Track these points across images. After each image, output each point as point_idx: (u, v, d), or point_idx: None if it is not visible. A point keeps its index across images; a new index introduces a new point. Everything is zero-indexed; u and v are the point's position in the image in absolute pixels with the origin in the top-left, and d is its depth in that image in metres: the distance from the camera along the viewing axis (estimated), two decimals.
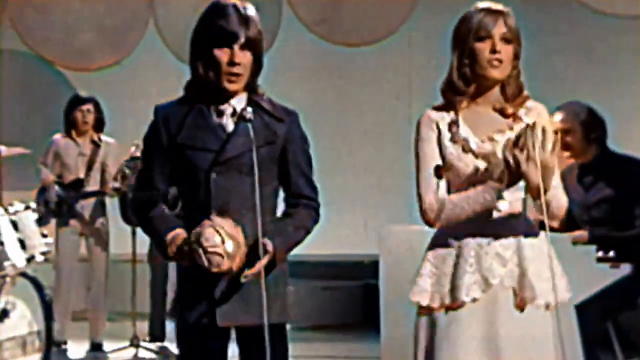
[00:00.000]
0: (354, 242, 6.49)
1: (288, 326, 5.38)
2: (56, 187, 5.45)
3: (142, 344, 5.53)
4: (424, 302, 2.41)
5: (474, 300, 2.37)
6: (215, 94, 2.38)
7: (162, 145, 2.39)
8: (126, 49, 7.47)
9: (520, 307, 2.40)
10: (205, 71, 2.36)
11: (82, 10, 7.51)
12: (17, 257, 4.23)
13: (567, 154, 3.95)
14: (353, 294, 6.58)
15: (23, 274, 4.09)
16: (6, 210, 4.38)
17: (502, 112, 2.45)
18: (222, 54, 2.34)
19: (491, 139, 2.42)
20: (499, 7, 2.43)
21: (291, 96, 7.21)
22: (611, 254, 3.89)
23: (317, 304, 6.55)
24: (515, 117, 2.45)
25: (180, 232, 2.34)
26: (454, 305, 2.38)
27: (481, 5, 2.45)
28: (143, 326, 5.66)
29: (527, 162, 2.30)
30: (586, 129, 3.95)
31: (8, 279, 3.99)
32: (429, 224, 2.43)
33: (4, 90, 7.36)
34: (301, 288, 6.53)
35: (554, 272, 2.41)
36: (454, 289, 2.38)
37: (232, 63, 2.34)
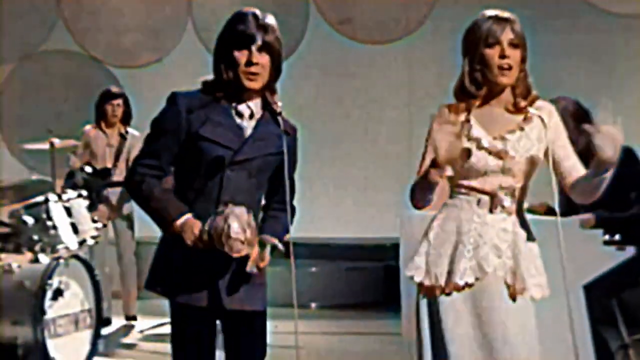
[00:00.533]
0: (376, 226, 6.47)
1: (314, 305, 5.39)
2: (84, 173, 5.47)
3: None
4: (418, 278, 2.42)
5: (467, 284, 2.38)
6: (236, 92, 2.38)
7: (179, 132, 2.35)
8: (167, 47, 7.50)
9: (513, 297, 2.40)
10: (226, 72, 2.36)
11: (127, 13, 7.55)
12: (70, 241, 4.27)
13: None
14: (375, 274, 6.54)
15: (75, 256, 4.12)
16: (60, 197, 4.41)
17: (513, 110, 2.44)
18: (240, 55, 2.34)
19: (502, 138, 2.41)
20: (505, 14, 2.43)
21: (317, 88, 7.24)
22: (617, 237, 3.86)
23: (342, 283, 6.56)
24: (526, 117, 2.44)
25: (191, 216, 2.32)
26: (449, 287, 2.39)
27: (489, 13, 2.44)
28: None
29: (599, 135, 2.29)
30: (576, 120, 3.95)
31: (62, 261, 4.01)
32: (414, 205, 2.44)
33: (59, 87, 7.43)
34: (327, 269, 6.56)
35: (539, 270, 2.43)
36: (450, 272, 2.39)
37: (249, 63, 2.33)
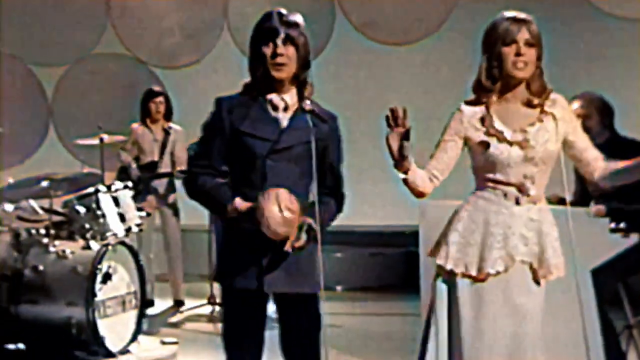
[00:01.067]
0: (398, 214, 6.42)
1: (339, 287, 5.27)
2: (134, 167, 5.53)
3: (219, 301, 5.61)
4: (449, 267, 2.38)
5: (497, 273, 2.36)
6: (267, 85, 2.38)
7: (224, 131, 2.39)
8: (204, 50, 7.51)
9: (537, 281, 2.39)
10: (257, 67, 2.37)
11: (168, 18, 7.57)
12: (117, 229, 4.28)
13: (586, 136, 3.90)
14: (396, 259, 6.52)
15: (122, 243, 4.13)
16: (108, 188, 4.42)
17: (529, 105, 2.41)
18: (267, 49, 2.35)
19: (523, 130, 2.39)
20: (522, 16, 2.40)
21: (342, 86, 7.22)
22: (622, 225, 3.80)
23: (365, 268, 6.54)
24: (542, 110, 2.41)
25: (240, 201, 2.33)
26: (480, 276, 2.36)
27: (507, 14, 2.41)
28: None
29: None
30: (601, 114, 3.89)
31: (110, 247, 4.03)
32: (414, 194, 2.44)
33: (108, 87, 7.49)
34: (351, 254, 6.56)
35: (556, 252, 2.41)
36: (480, 261, 2.36)
37: (274, 55, 2.34)
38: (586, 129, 3.94)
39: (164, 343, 4.27)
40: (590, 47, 6.65)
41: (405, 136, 2.29)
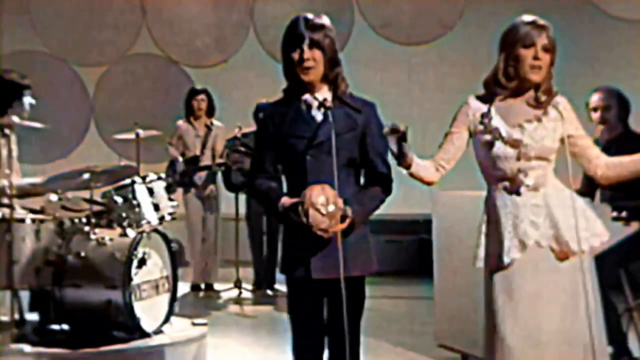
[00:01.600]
0: (412, 203, 6.40)
1: None
2: (180, 161, 5.59)
3: (244, 285, 5.66)
4: (480, 265, 2.40)
5: (514, 260, 2.33)
6: (300, 88, 2.39)
7: (270, 136, 2.41)
8: (232, 50, 7.52)
9: (562, 259, 2.34)
10: (289, 72, 2.38)
11: (198, 20, 7.59)
12: (151, 217, 4.28)
13: (601, 127, 3.84)
14: (410, 246, 6.54)
15: (156, 230, 4.14)
16: (144, 179, 4.44)
17: (533, 105, 2.39)
18: (295, 55, 2.35)
19: (520, 126, 2.37)
20: (542, 21, 2.38)
21: (361, 85, 7.19)
22: (624, 214, 3.75)
23: (381, 254, 6.47)
24: (545, 111, 2.38)
25: (287, 199, 2.35)
26: (501, 266, 2.35)
27: (527, 18, 2.39)
28: (244, 271, 5.74)
29: None
30: (620, 108, 3.83)
31: (145, 234, 4.04)
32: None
33: (143, 85, 7.53)
34: None
35: (589, 223, 2.36)
36: (500, 254, 2.35)
37: (301, 60, 2.34)
38: (604, 121, 3.91)
39: (194, 324, 4.28)
40: (591, 47, 6.54)
41: (403, 137, 2.28)
